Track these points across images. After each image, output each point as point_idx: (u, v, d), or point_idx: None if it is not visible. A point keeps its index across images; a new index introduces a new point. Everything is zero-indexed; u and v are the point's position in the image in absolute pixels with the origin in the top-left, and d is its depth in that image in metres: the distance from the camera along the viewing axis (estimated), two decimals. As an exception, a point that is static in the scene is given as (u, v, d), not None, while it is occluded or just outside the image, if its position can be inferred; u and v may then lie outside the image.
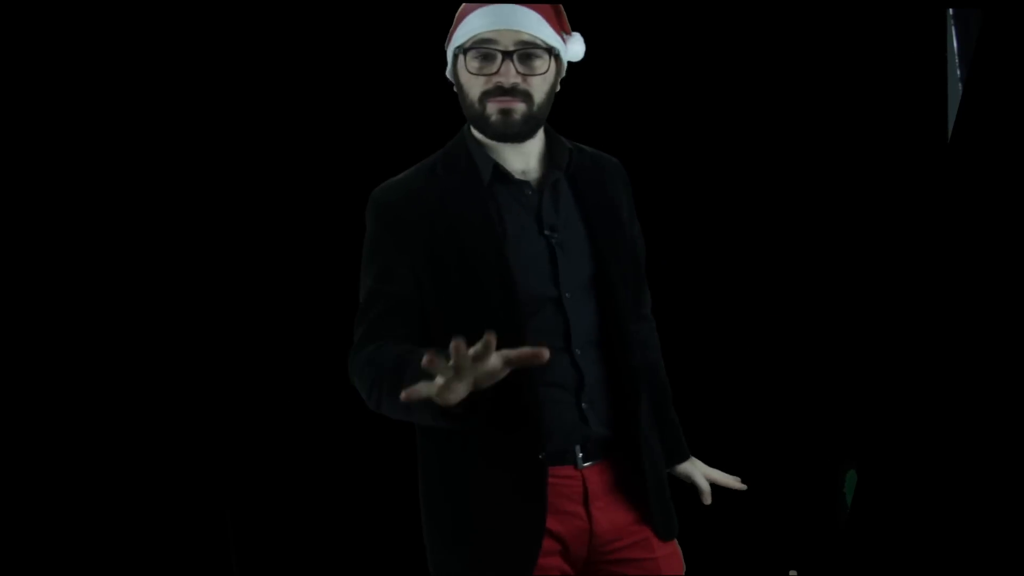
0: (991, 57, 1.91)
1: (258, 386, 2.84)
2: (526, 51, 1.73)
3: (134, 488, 2.70)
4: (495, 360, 1.42)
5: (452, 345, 1.36)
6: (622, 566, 1.78)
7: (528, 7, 1.74)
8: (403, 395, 1.41)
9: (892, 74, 2.96)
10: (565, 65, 1.83)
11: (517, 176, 1.79)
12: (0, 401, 2.60)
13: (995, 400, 1.76)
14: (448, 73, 1.85)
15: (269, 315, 2.85)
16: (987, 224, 1.83)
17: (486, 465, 1.73)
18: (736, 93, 2.98)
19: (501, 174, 1.78)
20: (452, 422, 1.54)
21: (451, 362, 1.38)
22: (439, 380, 1.40)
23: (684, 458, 2.02)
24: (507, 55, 1.72)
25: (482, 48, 1.73)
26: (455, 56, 1.79)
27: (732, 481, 2.01)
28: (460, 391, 1.43)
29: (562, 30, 1.79)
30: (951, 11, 2.91)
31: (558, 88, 1.82)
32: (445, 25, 1.83)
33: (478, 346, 1.39)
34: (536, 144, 1.82)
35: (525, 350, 1.43)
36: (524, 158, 1.80)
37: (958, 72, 2.91)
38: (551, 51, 1.76)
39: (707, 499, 2.00)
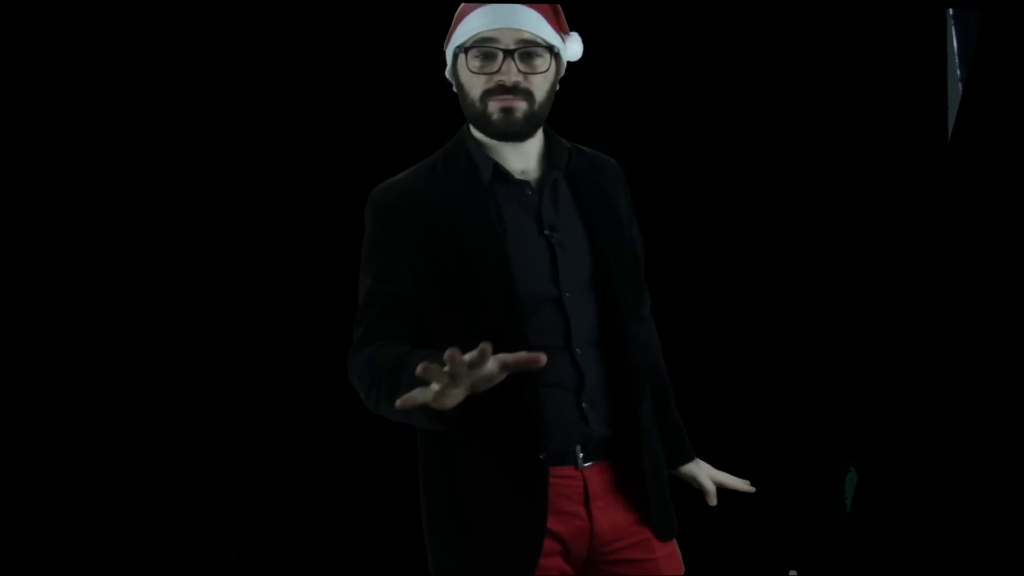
0: (991, 57, 1.91)
1: (258, 386, 2.84)
2: (527, 49, 1.73)
3: (134, 488, 2.70)
4: (491, 365, 1.41)
5: (447, 354, 1.35)
6: (622, 566, 1.77)
7: (528, 6, 1.74)
8: (398, 403, 1.41)
9: (892, 74, 2.96)
10: (565, 64, 1.83)
11: (517, 176, 1.79)
12: (1, 401, 2.60)
13: (995, 400, 1.76)
14: (447, 73, 1.85)
15: (269, 315, 2.85)
16: (987, 224, 1.83)
17: (487, 465, 1.72)
18: (735, 93, 2.98)
19: (501, 174, 1.78)
20: (448, 425, 1.54)
21: (446, 368, 1.38)
22: (434, 387, 1.40)
23: (689, 459, 2.01)
24: (508, 54, 1.72)
25: (483, 47, 1.73)
26: (455, 55, 1.78)
27: (741, 484, 1.99)
28: (456, 396, 1.42)
29: (560, 29, 1.79)
30: (951, 11, 2.91)
31: (557, 87, 1.82)
32: (444, 25, 1.83)
33: (474, 354, 1.38)
34: (535, 144, 1.81)
35: (522, 355, 1.42)
36: (523, 158, 1.80)
37: (958, 72, 2.91)
38: (552, 49, 1.76)
39: (712, 500, 1.98)
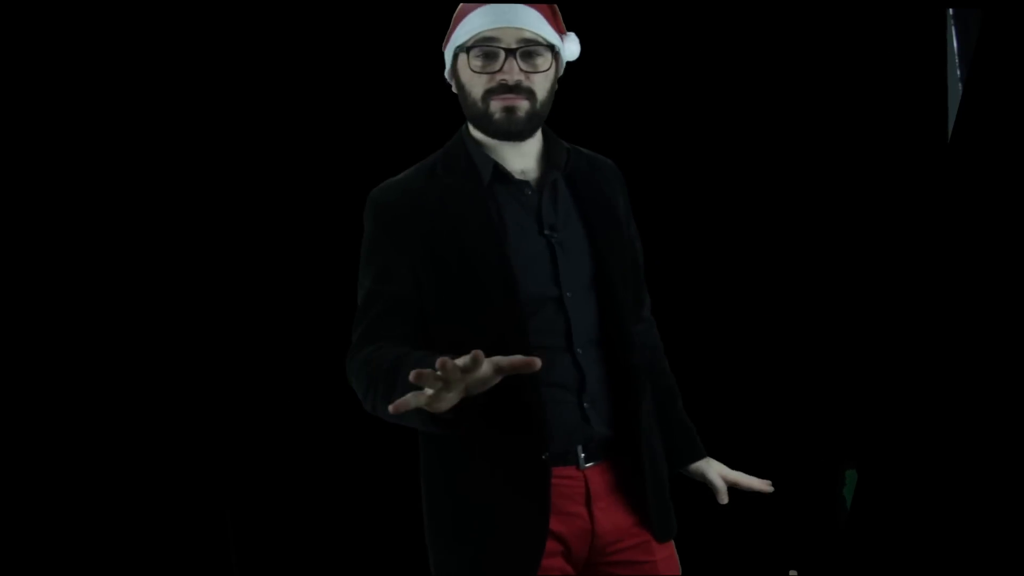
0: (991, 57, 1.91)
1: (258, 387, 2.84)
2: (528, 48, 1.73)
3: (134, 488, 2.70)
4: (486, 368, 1.41)
5: (438, 362, 1.35)
6: (621, 568, 1.77)
7: (528, 6, 1.74)
8: (391, 408, 1.41)
9: (892, 74, 2.96)
10: (564, 64, 1.83)
11: (516, 176, 1.79)
12: (1, 401, 2.60)
13: (995, 400, 1.76)
14: (447, 74, 1.85)
15: (269, 316, 2.85)
16: (987, 224, 1.83)
17: (488, 466, 1.72)
18: (735, 93, 2.98)
19: (501, 174, 1.78)
20: (442, 427, 1.53)
21: (439, 373, 1.38)
22: (428, 391, 1.40)
23: (699, 456, 1.98)
24: (510, 53, 1.72)
25: (484, 46, 1.73)
26: (455, 55, 1.78)
27: (759, 484, 1.93)
28: (450, 400, 1.42)
29: (559, 29, 1.80)
30: (951, 11, 2.91)
31: (556, 87, 1.82)
32: (443, 26, 1.83)
33: (466, 359, 1.38)
34: (535, 144, 1.82)
35: (517, 358, 1.41)
36: (523, 158, 1.80)
37: (958, 72, 2.91)
38: (552, 49, 1.76)
39: (723, 498, 1.94)
